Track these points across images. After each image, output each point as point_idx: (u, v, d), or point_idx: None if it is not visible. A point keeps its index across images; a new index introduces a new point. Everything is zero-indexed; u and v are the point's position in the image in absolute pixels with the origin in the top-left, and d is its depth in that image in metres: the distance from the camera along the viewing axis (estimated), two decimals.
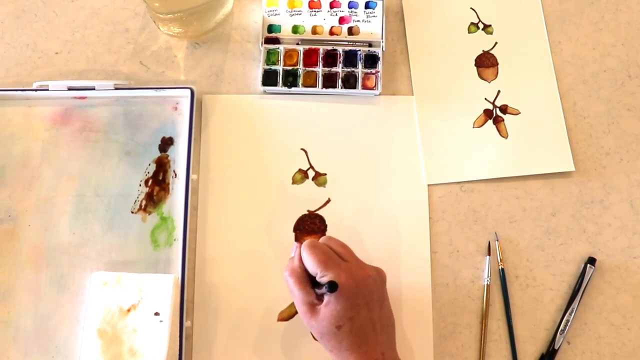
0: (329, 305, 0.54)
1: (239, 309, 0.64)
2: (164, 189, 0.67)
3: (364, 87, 0.70)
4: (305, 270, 0.56)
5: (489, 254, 0.66)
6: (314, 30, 0.71)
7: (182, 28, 0.71)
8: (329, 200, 0.67)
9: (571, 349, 0.64)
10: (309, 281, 0.56)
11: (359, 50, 0.71)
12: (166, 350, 0.59)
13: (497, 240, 0.66)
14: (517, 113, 0.70)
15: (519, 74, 0.72)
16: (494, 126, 0.70)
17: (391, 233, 0.66)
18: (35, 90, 0.68)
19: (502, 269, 0.65)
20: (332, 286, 0.52)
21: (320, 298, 0.55)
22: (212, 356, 0.62)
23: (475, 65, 0.72)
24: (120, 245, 0.65)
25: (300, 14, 0.72)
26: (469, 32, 0.73)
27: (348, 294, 0.54)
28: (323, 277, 0.54)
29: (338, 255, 0.57)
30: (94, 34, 0.72)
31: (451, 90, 0.71)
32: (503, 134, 0.70)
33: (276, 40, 0.71)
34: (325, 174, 0.68)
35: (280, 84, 0.70)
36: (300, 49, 0.71)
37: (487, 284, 0.64)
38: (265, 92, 0.70)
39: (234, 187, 0.67)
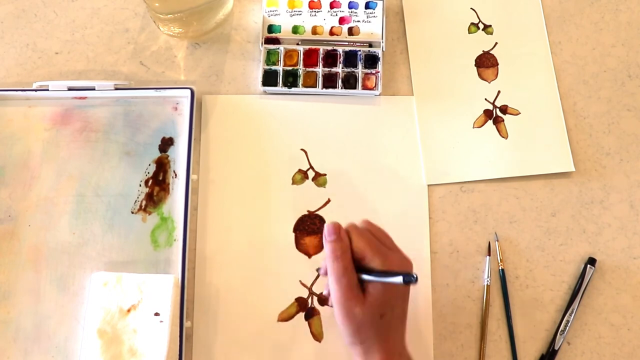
0: (375, 292, 0.52)
1: (239, 309, 0.64)
2: (164, 189, 0.67)
3: (364, 87, 0.70)
4: (351, 254, 0.54)
5: (489, 254, 0.66)
6: (314, 31, 0.71)
7: (182, 28, 0.71)
8: (329, 201, 0.67)
9: (571, 350, 0.64)
10: (353, 266, 0.54)
11: (359, 50, 0.71)
12: (166, 350, 0.59)
13: (497, 241, 0.66)
14: (517, 113, 0.70)
15: (519, 74, 0.72)
16: (494, 126, 0.70)
17: (391, 233, 0.65)
18: (36, 90, 0.68)
19: (502, 270, 0.65)
20: (410, 279, 0.49)
21: (360, 287, 0.53)
22: (212, 356, 0.62)
23: (476, 65, 0.72)
24: (121, 245, 0.65)
25: (300, 14, 0.72)
26: (469, 33, 0.73)
27: (397, 284, 0.52)
28: (370, 263, 0.53)
29: (380, 241, 0.56)
30: (94, 34, 0.72)
31: (451, 90, 0.71)
32: (503, 134, 0.70)
33: (276, 41, 0.71)
34: (325, 174, 0.68)
35: (280, 84, 0.70)
36: (301, 49, 0.71)
37: (487, 285, 0.64)
38: (265, 93, 0.70)
39: (234, 188, 0.67)
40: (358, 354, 0.54)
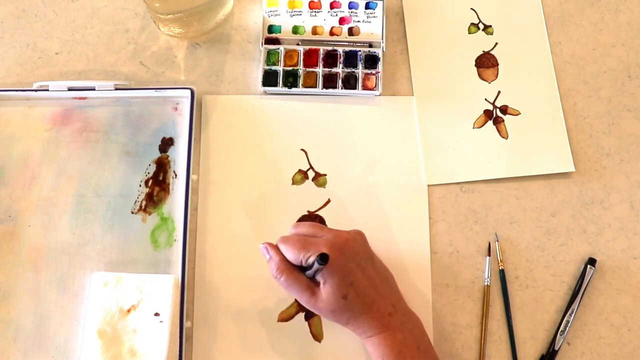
0: (326, 282, 0.55)
1: (239, 310, 0.64)
2: (164, 189, 0.67)
3: (364, 87, 0.70)
4: (290, 263, 0.57)
5: (489, 255, 0.66)
6: (314, 31, 0.71)
7: (183, 28, 0.71)
8: (329, 201, 0.67)
9: (571, 350, 0.64)
10: (299, 270, 0.57)
11: (359, 50, 0.71)
12: (166, 350, 0.59)
13: (497, 241, 0.66)
14: (517, 114, 0.70)
15: (519, 75, 0.72)
16: (494, 127, 0.70)
17: (391, 233, 0.66)
18: (36, 90, 0.68)
19: (502, 270, 0.65)
20: (323, 258, 0.52)
21: (315, 282, 0.56)
22: (212, 356, 0.62)
23: (476, 65, 0.72)
24: (121, 245, 0.65)
25: (300, 15, 0.72)
26: (469, 33, 0.73)
27: (337, 262, 0.55)
28: (309, 259, 0.55)
29: (312, 236, 0.58)
30: (94, 34, 0.72)
31: (451, 90, 0.71)
32: (503, 134, 0.70)
33: (276, 41, 0.71)
34: (325, 175, 0.68)
35: (280, 85, 0.70)
36: (301, 49, 0.71)
37: (487, 285, 0.64)
38: (265, 93, 0.70)
39: (234, 188, 0.67)
40: (353, 332, 0.58)
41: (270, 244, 0.59)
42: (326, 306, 0.56)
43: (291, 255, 0.57)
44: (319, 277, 0.56)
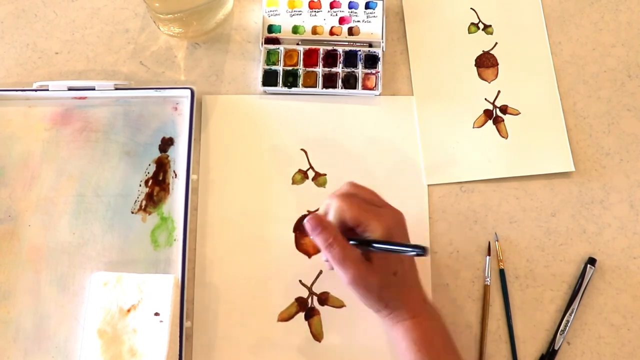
0: (380, 255, 0.54)
1: (239, 309, 0.64)
2: (164, 189, 0.67)
3: (364, 87, 0.70)
4: (342, 236, 0.54)
5: (489, 254, 0.66)
6: (314, 31, 0.71)
7: (182, 28, 0.71)
8: None
9: (571, 349, 0.64)
10: (349, 242, 0.54)
11: (359, 50, 0.71)
12: (166, 350, 0.59)
13: (497, 241, 0.66)
14: (517, 113, 0.70)
15: (519, 74, 0.72)
16: (494, 126, 0.70)
17: None
18: (35, 90, 0.68)
19: (502, 270, 0.65)
20: (424, 251, 0.49)
21: (365, 256, 0.54)
22: (212, 356, 0.62)
23: (476, 65, 0.72)
24: (121, 245, 0.65)
25: (300, 14, 0.72)
26: (469, 33, 0.73)
27: (396, 238, 0.54)
28: (367, 228, 0.53)
29: (370, 202, 0.56)
30: (94, 34, 0.72)
31: (451, 90, 0.71)
32: (503, 134, 0.70)
33: (276, 41, 0.71)
34: (325, 174, 0.68)
35: (280, 84, 0.70)
36: (301, 49, 0.71)
37: (487, 284, 0.64)
38: (265, 93, 0.70)
39: (234, 187, 0.67)
40: (387, 316, 0.56)
41: (318, 215, 0.55)
42: (378, 281, 0.53)
43: (352, 217, 0.53)
44: (367, 252, 0.54)
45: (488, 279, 0.65)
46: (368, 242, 0.54)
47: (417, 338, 0.55)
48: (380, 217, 0.54)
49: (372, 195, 0.58)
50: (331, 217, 0.55)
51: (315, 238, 0.54)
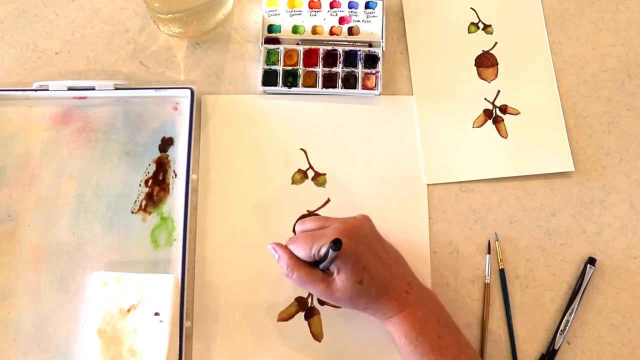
0: (340, 270, 0.55)
1: (239, 309, 0.64)
2: (164, 189, 0.67)
3: (364, 87, 0.70)
4: (299, 259, 0.57)
5: (489, 253, 0.66)
6: (314, 31, 0.71)
7: (182, 28, 0.71)
8: (328, 200, 0.67)
9: (571, 349, 0.64)
10: (310, 265, 0.57)
11: (359, 50, 0.71)
12: (166, 350, 0.59)
13: (497, 240, 0.66)
14: (517, 113, 0.70)
15: (519, 74, 0.72)
16: (494, 126, 0.70)
17: (391, 233, 0.66)
18: (35, 90, 0.68)
19: (502, 269, 0.65)
20: (337, 243, 0.51)
21: (329, 273, 0.57)
22: (212, 356, 0.62)
23: (475, 65, 0.72)
24: (120, 245, 0.65)
25: (300, 14, 0.72)
26: (469, 32, 0.73)
27: (348, 248, 0.55)
28: (321, 250, 0.55)
29: (319, 229, 0.59)
30: (94, 34, 0.73)
31: (451, 90, 0.71)
32: (503, 134, 0.70)
33: (276, 41, 0.71)
34: (325, 174, 0.68)
35: (280, 84, 0.70)
36: (300, 49, 0.71)
37: (488, 283, 0.64)
38: (265, 92, 0.70)
39: (234, 187, 0.67)
40: (373, 316, 0.58)
41: (278, 244, 0.59)
42: (343, 294, 0.56)
43: (302, 252, 0.57)
44: (332, 268, 0.56)
45: (488, 278, 0.65)
46: (317, 263, 0.57)
47: (408, 331, 0.56)
48: (325, 237, 0.56)
49: (316, 221, 0.60)
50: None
51: (279, 265, 0.58)
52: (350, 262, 0.55)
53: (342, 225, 0.57)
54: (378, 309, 0.57)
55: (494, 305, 0.65)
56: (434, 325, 0.56)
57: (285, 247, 0.58)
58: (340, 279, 0.56)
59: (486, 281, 0.65)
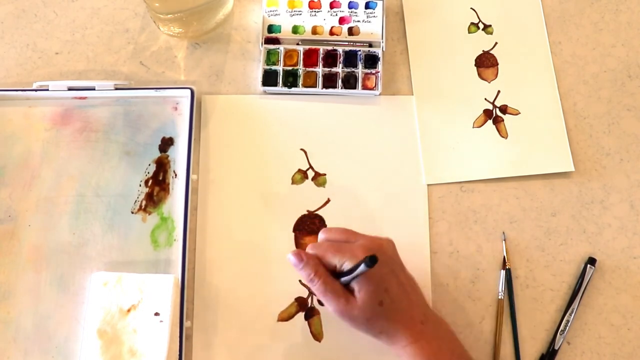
0: (362, 288, 0.54)
1: (239, 309, 0.64)
2: (164, 189, 0.67)
3: (364, 87, 0.70)
4: (325, 268, 0.56)
5: (504, 268, 0.65)
6: (314, 31, 0.71)
7: (182, 28, 0.71)
8: (328, 201, 0.67)
9: (571, 349, 0.64)
10: (333, 277, 0.56)
11: (359, 50, 0.71)
12: (166, 350, 0.59)
13: (505, 240, 0.66)
14: (517, 113, 0.70)
15: (519, 74, 0.72)
16: (494, 126, 0.70)
17: (391, 233, 0.66)
18: (36, 90, 0.68)
19: (509, 269, 0.65)
20: (373, 260, 0.50)
21: (349, 289, 0.55)
22: (212, 356, 0.62)
23: (475, 65, 0.72)
24: (121, 245, 0.65)
25: (300, 14, 0.72)
26: (469, 32, 0.73)
27: (373, 268, 0.53)
28: (344, 265, 0.54)
29: (345, 241, 0.57)
30: (94, 34, 0.73)
31: (451, 90, 0.71)
32: (503, 134, 0.70)
33: (276, 41, 0.71)
34: (325, 174, 0.68)
35: (280, 84, 0.70)
36: (301, 49, 0.71)
37: (501, 299, 0.64)
38: (265, 93, 0.70)
39: (234, 187, 0.67)
40: (386, 342, 0.56)
41: (301, 251, 0.57)
42: (362, 313, 0.54)
43: (325, 261, 0.56)
44: (353, 284, 0.55)
45: (501, 293, 0.64)
46: (339, 274, 0.56)
47: None
48: (351, 252, 0.55)
49: (343, 233, 0.58)
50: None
51: (299, 272, 0.56)
52: (373, 282, 0.54)
53: (369, 243, 0.56)
54: (392, 334, 0.55)
55: (494, 306, 0.65)
56: (449, 358, 0.55)
57: (311, 254, 0.57)
58: (361, 297, 0.54)
59: (500, 297, 0.64)
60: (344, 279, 0.55)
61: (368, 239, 0.57)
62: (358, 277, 0.54)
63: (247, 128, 0.69)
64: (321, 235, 0.59)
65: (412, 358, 0.55)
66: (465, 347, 0.62)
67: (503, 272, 0.65)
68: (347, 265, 0.54)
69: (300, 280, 0.65)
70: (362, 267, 0.52)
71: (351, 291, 0.55)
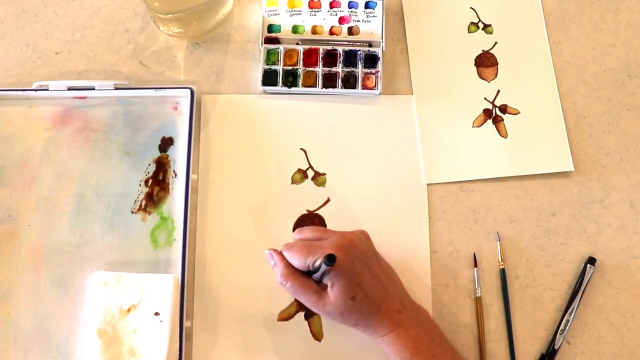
0: (334, 284, 0.55)
1: (239, 309, 0.64)
2: (164, 189, 0.67)
3: (364, 87, 0.70)
4: (295, 268, 0.57)
5: (476, 266, 0.65)
6: (314, 30, 0.71)
7: (182, 28, 0.71)
8: (328, 200, 0.67)
9: (571, 349, 0.64)
10: (305, 275, 0.57)
11: (359, 50, 0.71)
12: (166, 350, 0.59)
13: (499, 240, 0.66)
14: (517, 113, 0.70)
15: (519, 74, 0.72)
16: (494, 126, 0.70)
17: (391, 233, 0.66)
18: (35, 90, 0.68)
19: (503, 269, 0.65)
20: (330, 258, 0.51)
21: (322, 285, 0.56)
22: (212, 356, 0.62)
23: (475, 65, 0.72)
24: (120, 245, 0.65)
25: (300, 14, 0.72)
26: (469, 32, 0.73)
27: (344, 263, 0.55)
28: (316, 262, 0.55)
29: (316, 239, 0.58)
30: (94, 34, 0.73)
31: (451, 90, 0.71)
32: (502, 133, 0.70)
33: (276, 40, 0.71)
34: (325, 174, 0.68)
35: (280, 84, 0.70)
36: (300, 48, 0.71)
37: (479, 297, 0.64)
38: (265, 92, 0.70)
39: (234, 187, 0.67)
40: (363, 332, 0.58)
41: (274, 250, 0.59)
42: (334, 309, 0.56)
43: (297, 261, 0.56)
44: (326, 280, 0.56)
45: (479, 290, 0.64)
46: (311, 273, 0.57)
47: (401, 351, 0.55)
48: (322, 249, 0.56)
49: (315, 231, 0.60)
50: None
51: (273, 271, 0.58)
52: (344, 278, 0.55)
53: (339, 240, 0.57)
54: (369, 326, 0.56)
55: (494, 305, 0.65)
56: (428, 344, 0.56)
57: (280, 254, 0.58)
58: (333, 293, 0.55)
59: (477, 294, 0.64)
60: (314, 276, 0.56)
61: (338, 235, 0.58)
62: (329, 273, 0.55)
63: (247, 128, 0.69)
64: (295, 236, 0.61)
65: (391, 346, 0.56)
66: (463, 346, 0.62)
67: (476, 270, 0.65)
68: (317, 263, 0.55)
69: None
70: (323, 266, 0.53)
71: (324, 287, 0.56)
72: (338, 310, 0.56)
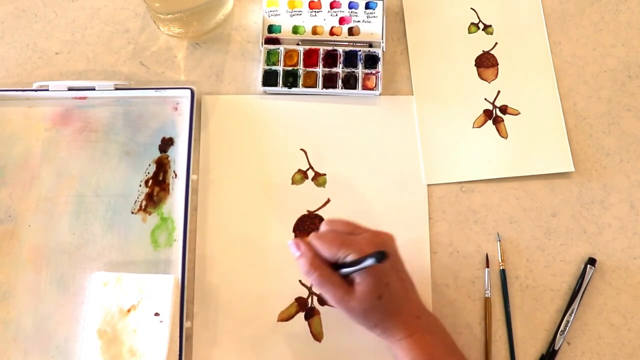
0: (362, 281, 0.54)
1: (239, 309, 0.64)
2: (164, 189, 0.67)
3: (364, 87, 0.70)
4: (322, 259, 0.55)
5: (488, 266, 0.65)
6: (314, 31, 0.71)
7: (182, 28, 0.71)
8: (328, 201, 0.67)
9: (571, 350, 0.64)
10: (331, 267, 0.55)
11: (359, 50, 0.71)
12: (166, 350, 0.59)
13: (499, 241, 0.66)
14: (517, 113, 0.70)
15: (519, 75, 0.72)
16: (494, 126, 0.70)
17: (391, 233, 0.66)
18: (36, 90, 0.68)
19: (503, 270, 0.65)
20: (381, 256, 0.50)
21: (348, 280, 0.55)
22: (212, 356, 0.62)
23: (475, 65, 0.72)
24: (121, 245, 0.65)
25: (300, 15, 0.72)
26: (469, 33, 0.73)
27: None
28: (348, 257, 0.54)
29: (349, 233, 0.57)
30: (94, 34, 0.73)
31: (451, 90, 0.71)
32: (503, 134, 0.70)
33: (276, 41, 0.71)
34: (325, 174, 0.68)
35: (280, 85, 0.70)
36: (301, 49, 0.71)
37: (488, 297, 0.64)
38: (265, 93, 0.70)
39: (234, 188, 0.67)
40: (381, 335, 0.56)
41: (301, 239, 0.57)
42: (359, 305, 0.54)
43: (328, 252, 0.55)
44: (354, 276, 0.55)
45: (488, 292, 0.64)
46: (337, 267, 0.55)
47: (417, 356, 0.55)
48: (355, 245, 0.55)
49: (347, 225, 0.58)
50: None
51: (297, 262, 0.56)
52: (375, 276, 0.54)
53: (375, 238, 0.56)
54: (388, 328, 0.55)
55: (494, 306, 0.65)
56: (443, 352, 0.56)
57: (309, 245, 0.56)
58: (360, 290, 0.54)
59: (486, 295, 0.64)
60: (345, 270, 0.55)
61: (372, 233, 0.57)
62: (360, 270, 0.54)
63: (247, 128, 0.69)
64: (324, 226, 0.59)
65: (408, 351, 0.55)
66: (464, 346, 0.62)
67: (487, 271, 0.65)
68: (350, 258, 0.54)
69: (300, 281, 0.65)
70: (369, 261, 0.51)
71: (350, 282, 0.55)
72: (362, 308, 0.54)
